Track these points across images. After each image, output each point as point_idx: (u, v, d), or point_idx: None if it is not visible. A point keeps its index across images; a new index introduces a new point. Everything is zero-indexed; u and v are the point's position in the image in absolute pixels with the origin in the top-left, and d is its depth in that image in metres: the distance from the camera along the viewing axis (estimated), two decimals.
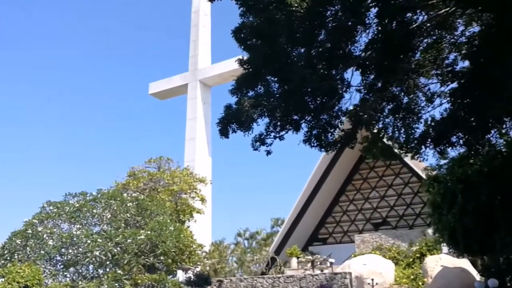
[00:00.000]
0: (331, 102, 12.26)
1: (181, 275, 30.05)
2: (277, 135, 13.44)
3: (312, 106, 12.23)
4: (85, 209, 23.45)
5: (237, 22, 13.92)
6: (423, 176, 33.96)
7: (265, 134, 13.44)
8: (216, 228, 76.70)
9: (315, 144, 13.05)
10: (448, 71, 15.53)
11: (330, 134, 13.13)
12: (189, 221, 29.77)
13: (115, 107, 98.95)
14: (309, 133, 12.82)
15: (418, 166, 34.44)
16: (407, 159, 32.75)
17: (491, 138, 16.28)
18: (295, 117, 12.57)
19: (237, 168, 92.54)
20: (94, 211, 23.68)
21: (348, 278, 23.13)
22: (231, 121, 13.77)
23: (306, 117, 12.62)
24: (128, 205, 24.09)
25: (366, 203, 36.94)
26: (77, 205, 23.58)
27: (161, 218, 24.35)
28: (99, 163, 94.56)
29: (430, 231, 31.59)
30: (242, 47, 14.29)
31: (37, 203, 32.69)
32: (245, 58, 14.58)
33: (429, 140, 14.54)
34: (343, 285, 22.87)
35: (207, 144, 41.94)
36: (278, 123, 13.22)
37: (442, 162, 19.94)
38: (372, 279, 26.55)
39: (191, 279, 17.74)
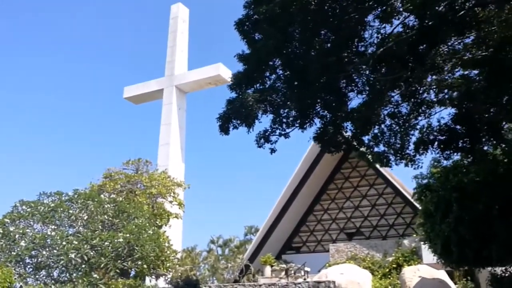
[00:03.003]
0: (346, 98, 11.21)
1: (150, 281, 28.56)
2: (283, 133, 12.33)
3: (327, 100, 11.15)
4: (61, 209, 21.62)
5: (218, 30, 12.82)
6: (398, 187, 33.50)
7: (270, 131, 12.31)
8: (186, 235, 74.95)
9: (325, 143, 11.96)
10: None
11: (340, 133, 12.05)
12: (165, 225, 28.21)
13: (87, 111, 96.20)
14: (321, 130, 11.72)
15: (393, 177, 33.90)
16: (383, 170, 32.29)
17: (490, 146, 15.66)
18: (308, 111, 11.40)
19: (209, 176, 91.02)
20: (70, 211, 21.86)
21: (332, 287, 22.06)
22: (232, 116, 12.59)
23: (321, 112, 11.53)
24: (106, 206, 22.39)
25: (340, 212, 36.15)
26: (52, 205, 21.69)
27: (140, 221, 22.77)
28: (69, 166, 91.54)
29: (406, 241, 31.00)
30: (245, 40, 13.16)
31: (8, 203, 30.53)
32: (244, 53, 13.51)
33: (436, 144, 13.69)
34: None
35: (181, 150, 40.47)
36: (284, 120, 12.10)
37: (433, 170, 19.31)
38: None
39: (179, 284, 16.30)
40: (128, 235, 21.38)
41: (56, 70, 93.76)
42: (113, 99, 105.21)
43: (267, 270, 31.66)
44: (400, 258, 29.28)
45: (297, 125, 12.09)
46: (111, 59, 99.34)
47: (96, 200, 22.52)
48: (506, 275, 13.81)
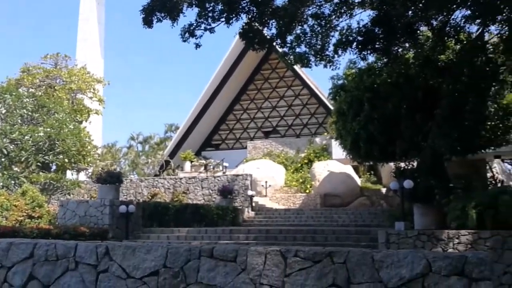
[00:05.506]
0: None
1: (72, 174, 28.29)
2: (208, 27, 11.86)
3: None
4: None
5: None
6: (314, 88, 34.08)
7: (195, 25, 11.80)
8: (106, 132, 73.63)
9: (250, 39, 11.66)
10: None
11: (265, 29, 11.77)
12: (85, 121, 27.44)
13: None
14: (247, 26, 11.37)
15: (309, 79, 34.33)
16: (300, 72, 32.57)
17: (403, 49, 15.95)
18: (235, 5, 10.96)
19: (130, 73, 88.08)
20: None
21: (249, 180, 22.69)
22: (156, 9, 11.90)
23: (247, 7, 11.12)
24: (25, 100, 21.36)
25: (258, 112, 36.54)
26: None
27: (60, 116, 21.99)
28: None
29: (317, 139, 32.08)
30: None
31: None
32: None
33: (354, 45, 13.75)
34: (244, 186, 22.41)
35: (100, 45, 38.70)
36: (210, 14, 11.61)
37: (347, 72, 19.62)
38: (266, 182, 26.62)
39: (101, 176, 16.10)
40: (48, 129, 20.70)
41: None
42: None
43: (187, 165, 32.02)
44: (312, 154, 30.40)
45: (223, 19, 11.66)
46: None
47: (14, 94, 21.39)
48: (409, 167, 14.69)
